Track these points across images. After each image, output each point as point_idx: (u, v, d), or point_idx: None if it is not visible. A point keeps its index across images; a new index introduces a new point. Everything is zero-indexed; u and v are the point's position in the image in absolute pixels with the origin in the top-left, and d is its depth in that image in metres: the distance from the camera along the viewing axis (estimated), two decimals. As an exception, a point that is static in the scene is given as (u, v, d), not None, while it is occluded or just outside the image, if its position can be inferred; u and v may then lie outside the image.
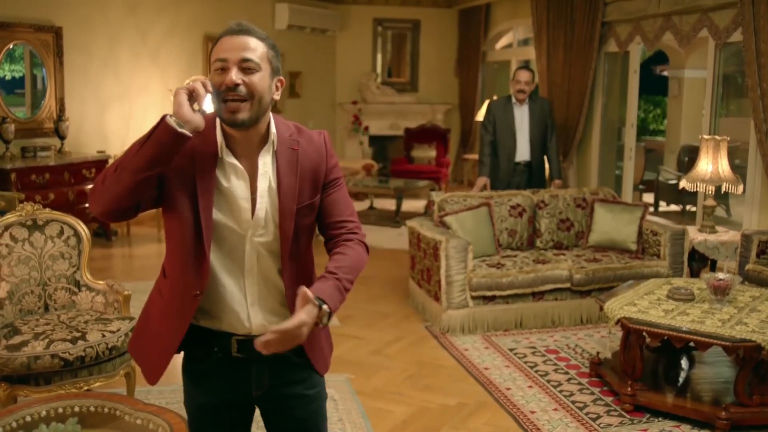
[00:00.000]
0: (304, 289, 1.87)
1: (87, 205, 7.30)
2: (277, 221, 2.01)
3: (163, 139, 1.80)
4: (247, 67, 1.90)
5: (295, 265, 2.06)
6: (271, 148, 2.02)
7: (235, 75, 1.89)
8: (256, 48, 1.93)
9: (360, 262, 2.08)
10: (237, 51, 1.90)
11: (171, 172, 1.93)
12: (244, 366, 2.08)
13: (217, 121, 1.98)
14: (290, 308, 2.03)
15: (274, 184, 2.01)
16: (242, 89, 1.89)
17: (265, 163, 2.01)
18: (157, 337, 2.09)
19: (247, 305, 2.04)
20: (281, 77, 2.02)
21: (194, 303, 2.00)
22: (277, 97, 2.01)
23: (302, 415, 2.18)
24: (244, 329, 2.05)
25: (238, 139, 1.98)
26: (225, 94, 1.89)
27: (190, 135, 1.83)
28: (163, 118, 1.81)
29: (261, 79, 1.92)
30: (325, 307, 1.89)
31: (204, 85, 1.86)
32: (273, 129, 2.02)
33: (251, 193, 1.99)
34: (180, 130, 1.80)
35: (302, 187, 2.03)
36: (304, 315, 1.85)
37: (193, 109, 1.84)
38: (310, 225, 2.09)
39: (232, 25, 1.96)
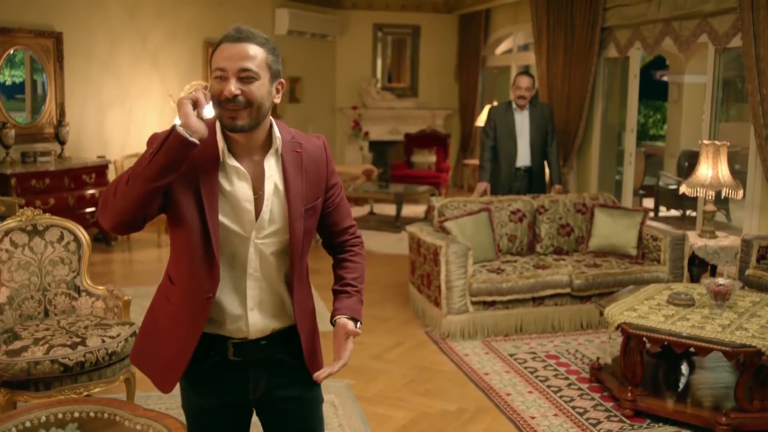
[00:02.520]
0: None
1: (87, 210, 7.31)
2: (286, 223, 2.04)
3: (174, 148, 1.85)
4: (245, 76, 1.92)
5: (300, 266, 2.10)
6: (276, 151, 2.04)
7: (233, 86, 1.91)
8: (255, 56, 1.94)
9: (364, 268, 2.29)
10: (235, 60, 1.92)
11: (175, 179, 1.95)
12: (241, 369, 2.11)
13: (218, 125, 2.00)
14: (295, 311, 2.10)
15: (281, 186, 2.04)
16: (241, 99, 1.92)
17: (270, 165, 2.04)
18: (168, 344, 2.09)
19: (246, 309, 2.06)
20: (281, 80, 2.04)
21: (207, 306, 2.02)
22: (277, 100, 2.03)
23: (298, 417, 2.21)
24: (242, 333, 2.07)
25: (240, 142, 2.01)
26: (225, 104, 1.92)
27: (198, 142, 1.87)
28: (174, 127, 1.86)
29: (259, 87, 1.94)
30: (358, 324, 2.14)
31: (205, 95, 1.90)
32: (277, 132, 2.05)
33: (254, 195, 2.01)
34: (190, 138, 1.84)
35: (308, 189, 2.07)
36: (345, 357, 2.06)
37: (199, 117, 1.88)
38: (311, 227, 2.13)
39: (231, 31, 1.97)
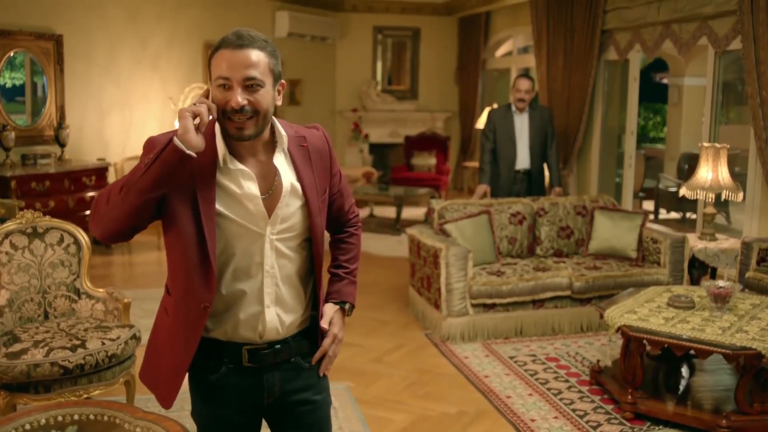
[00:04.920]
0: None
1: (87, 212, 7.30)
2: (303, 219, 2.06)
3: (169, 161, 1.82)
4: (251, 84, 1.90)
5: (322, 257, 2.15)
6: (283, 149, 2.05)
7: (240, 97, 1.89)
8: (258, 62, 1.91)
9: (359, 246, 2.37)
10: (239, 69, 1.89)
11: (175, 184, 1.93)
12: (256, 375, 2.10)
13: (217, 129, 1.98)
14: (322, 300, 2.21)
15: (297, 183, 2.05)
16: (248, 108, 1.90)
17: (281, 163, 2.04)
18: (167, 357, 2.08)
19: (263, 307, 2.05)
20: (282, 81, 2.02)
21: (203, 316, 1.99)
22: (278, 102, 2.01)
23: (310, 420, 2.21)
24: (256, 333, 2.06)
25: (244, 144, 1.99)
26: (230, 114, 1.90)
27: (195, 156, 1.84)
28: (170, 140, 1.83)
29: (265, 95, 1.93)
30: (347, 306, 2.24)
31: (210, 110, 1.87)
32: (282, 131, 2.04)
33: (263, 195, 2.00)
34: (187, 152, 1.82)
35: (319, 181, 2.10)
36: (334, 329, 2.19)
37: (197, 131, 1.85)
38: (324, 218, 2.16)
39: (231, 36, 1.92)
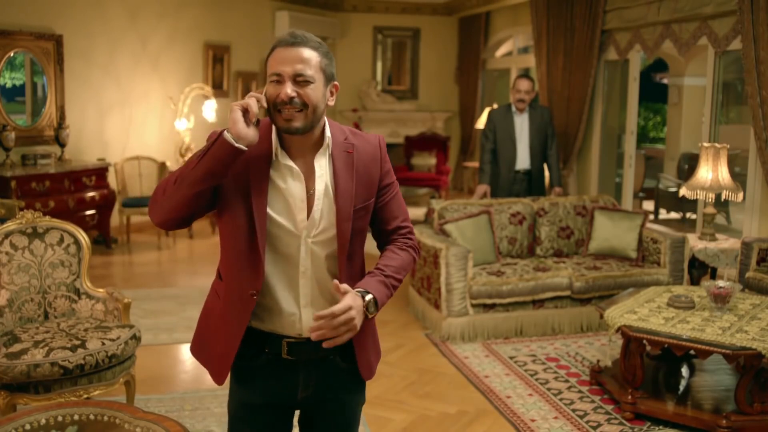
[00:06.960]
0: (335, 282, 1.97)
1: (87, 212, 7.31)
2: (334, 223, 2.05)
3: (220, 154, 1.89)
4: (301, 80, 1.95)
5: (350, 266, 2.11)
6: (327, 151, 2.06)
7: (290, 89, 1.94)
8: (310, 59, 1.97)
9: (407, 264, 2.19)
10: (291, 64, 1.95)
11: (227, 177, 1.99)
12: (293, 368, 2.12)
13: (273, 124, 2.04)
14: None
15: (331, 187, 2.06)
16: (297, 101, 1.95)
17: (321, 165, 2.05)
18: (219, 338, 2.14)
19: (299, 307, 2.08)
20: (335, 83, 2.07)
21: (251, 303, 2.05)
22: (331, 102, 2.06)
23: (339, 419, 2.23)
24: (295, 331, 2.09)
25: (294, 141, 2.04)
26: (280, 106, 1.95)
27: (245, 149, 1.90)
28: (221, 133, 1.89)
29: (315, 90, 1.97)
30: (369, 296, 1.99)
31: (258, 101, 1.93)
32: (328, 132, 2.07)
33: (306, 194, 2.03)
34: (236, 145, 1.88)
35: (358, 190, 2.08)
36: (349, 300, 1.94)
37: (248, 124, 1.90)
38: (363, 227, 2.14)
39: (286, 35, 1.99)
